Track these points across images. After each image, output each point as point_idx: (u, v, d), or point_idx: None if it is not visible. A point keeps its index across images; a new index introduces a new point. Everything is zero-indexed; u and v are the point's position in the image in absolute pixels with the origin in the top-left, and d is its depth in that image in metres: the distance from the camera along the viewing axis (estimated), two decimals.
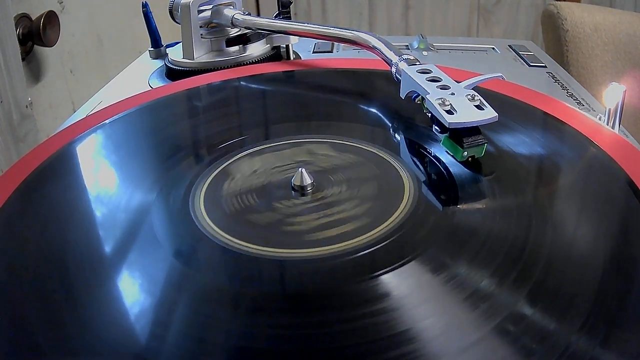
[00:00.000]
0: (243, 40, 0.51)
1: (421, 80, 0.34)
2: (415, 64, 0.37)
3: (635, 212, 0.27)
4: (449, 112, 0.31)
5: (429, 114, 0.33)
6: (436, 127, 0.33)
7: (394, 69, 0.38)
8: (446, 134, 0.32)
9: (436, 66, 0.36)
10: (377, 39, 0.41)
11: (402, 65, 0.37)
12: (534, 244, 0.25)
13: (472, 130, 0.31)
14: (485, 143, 0.31)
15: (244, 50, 0.51)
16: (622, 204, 0.28)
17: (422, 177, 0.31)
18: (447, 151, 0.32)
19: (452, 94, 0.32)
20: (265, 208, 0.29)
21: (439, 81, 0.34)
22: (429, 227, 0.27)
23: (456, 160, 0.31)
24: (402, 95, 0.36)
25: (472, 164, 0.31)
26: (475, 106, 0.31)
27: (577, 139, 0.33)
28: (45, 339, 0.22)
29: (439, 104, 0.31)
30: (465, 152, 0.31)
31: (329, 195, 0.29)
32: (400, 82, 0.36)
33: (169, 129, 0.39)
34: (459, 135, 0.31)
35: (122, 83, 0.52)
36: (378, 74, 0.44)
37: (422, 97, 0.34)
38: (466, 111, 0.31)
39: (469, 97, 0.32)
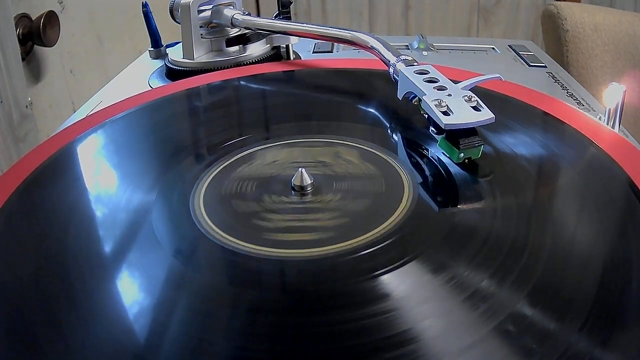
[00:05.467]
0: (243, 40, 0.51)
1: (418, 81, 0.34)
2: (413, 65, 0.36)
3: (635, 212, 0.27)
4: (445, 113, 0.31)
5: (426, 115, 0.33)
6: (433, 129, 0.32)
7: (391, 70, 0.38)
8: (442, 135, 0.32)
9: (434, 67, 0.36)
10: (376, 40, 0.41)
11: (400, 66, 0.37)
12: (534, 244, 0.25)
13: (469, 132, 0.31)
14: (482, 145, 0.31)
15: (244, 50, 0.51)
16: (622, 203, 0.28)
17: (422, 177, 0.31)
18: (443, 153, 0.32)
19: (449, 95, 0.32)
20: (265, 208, 0.29)
21: (436, 82, 0.34)
22: (429, 227, 0.27)
23: (452, 161, 0.31)
24: (400, 96, 0.36)
25: (472, 163, 0.31)
26: (472, 107, 0.31)
27: (577, 139, 0.33)
28: (45, 339, 0.22)
29: (435, 105, 0.31)
30: (462, 154, 0.30)
31: (328, 195, 0.29)
32: (397, 83, 0.36)
33: (169, 129, 0.39)
34: (455, 137, 0.30)
35: (122, 83, 0.52)
36: (378, 74, 0.44)
37: (418, 98, 0.34)
38: (462, 112, 0.31)
39: (466, 98, 0.32)
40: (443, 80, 0.34)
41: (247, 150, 0.34)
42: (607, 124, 0.35)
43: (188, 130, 0.40)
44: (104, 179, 0.34)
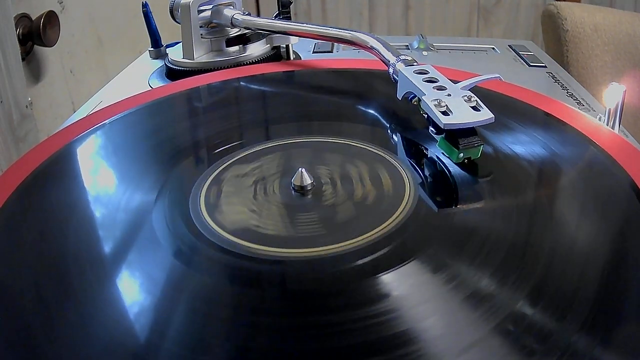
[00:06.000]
0: (243, 40, 0.51)
1: (418, 81, 0.34)
2: (413, 65, 0.36)
3: (636, 212, 0.27)
4: (444, 113, 0.31)
5: (425, 115, 0.33)
6: (432, 129, 0.32)
7: (391, 70, 0.38)
8: (442, 136, 0.32)
9: (434, 67, 0.36)
10: (375, 40, 0.41)
11: (399, 66, 0.37)
12: (534, 244, 0.25)
13: (468, 132, 0.31)
14: (481, 145, 0.31)
15: (244, 50, 0.51)
16: (622, 203, 0.28)
17: (423, 177, 0.31)
18: (443, 153, 0.32)
19: (449, 95, 0.32)
20: (265, 208, 0.29)
21: (435, 82, 0.34)
22: (429, 227, 0.27)
23: (452, 161, 0.31)
24: (399, 96, 0.36)
25: (472, 163, 0.31)
26: (472, 107, 0.31)
27: (577, 139, 0.33)
28: (45, 339, 0.22)
29: (435, 105, 0.31)
30: (461, 154, 0.30)
31: (329, 195, 0.29)
32: (397, 83, 0.36)
33: (169, 129, 0.39)
34: (454, 137, 0.30)
35: (122, 83, 0.52)
36: (378, 74, 0.44)
37: (418, 98, 0.34)
38: (462, 112, 0.31)
39: (465, 98, 0.32)
40: (442, 80, 0.34)
41: (248, 150, 0.34)
42: (607, 124, 0.35)
43: (188, 130, 0.40)
44: (104, 179, 0.34)
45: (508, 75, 0.38)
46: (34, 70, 0.66)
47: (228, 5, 0.51)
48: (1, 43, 0.55)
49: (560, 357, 0.19)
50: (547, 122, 0.36)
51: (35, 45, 0.65)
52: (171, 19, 0.53)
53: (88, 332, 0.22)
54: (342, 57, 0.55)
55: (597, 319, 0.21)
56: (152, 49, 0.57)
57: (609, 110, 0.34)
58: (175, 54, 0.51)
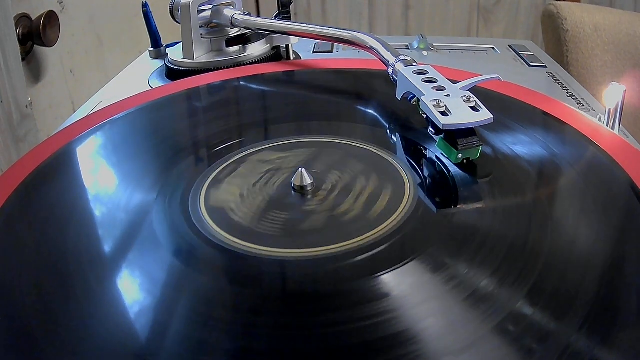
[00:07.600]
0: (243, 40, 0.51)
1: (417, 81, 0.34)
2: (412, 65, 0.36)
3: (635, 212, 0.27)
4: (443, 113, 0.31)
5: (425, 116, 0.33)
6: (431, 129, 0.32)
7: (390, 70, 0.38)
8: (441, 136, 0.32)
9: (433, 67, 0.36)
10: (375, 40, 0.41)
11: (399, 66, 0.37)
12: (534, 244, 0.25)
13: (467, 132, 0.30)
14: (480, 145, 0.31)
15: (244, 50, 0.51)
16: (622, 204, 0.28)
17: (422, 177, 0.31)
18: (442, 153, 0.32)
19: (448, 95, 0.32)
20: (265, 208, 0.29)
21: (434, 82, 0.34)
22: (429, 227, 0.27)
23: (451, 162, 0.31)
24: (398, 97, 0.36)
25: (472, 163, 0.31)
26: (471, 107, 0.31)
27: (577, 140, 0.33)
28: (45, 338, 0.22)
29: (434, 106, 0.31)
30: (460, 154, 0.30)
31: (329, 195, 0.29)
32: (396, 83, 0.36)
33: (169, 129, 0.39)
34: (453, 137, 0.30)
35: (122, 83, 0.52)
36: (378, 74, 0.44)
37: (417, 98, 0.34)
38: (461, 113, 0.31)
39: (465, 98, 0.32)
40: (442, 81, 0.34)
41: (247, 150, 0.34)
42: (607, 124, 0.35)
43: (188, 130, 0.40)
44: (104, 179, 0.34)
45: (508, 75, 0.38)
46: (34, 70, 0.66)
47: (228, 5, 0.51)
48: (1, 43, 0.55)
49: (560, 357, 0.19)
50: (546, 122, 0.36)
51: (35, 45, 0.65)
52: (171, 19, 0.53)
53: (88, 331, 0.22)
54: (342, 57, 0.55)
55: (597, 319, 0.21)
56: (152, 49, 0.58)
57: (609, 110, 0.34)
58: (175, 54, 0.51)
